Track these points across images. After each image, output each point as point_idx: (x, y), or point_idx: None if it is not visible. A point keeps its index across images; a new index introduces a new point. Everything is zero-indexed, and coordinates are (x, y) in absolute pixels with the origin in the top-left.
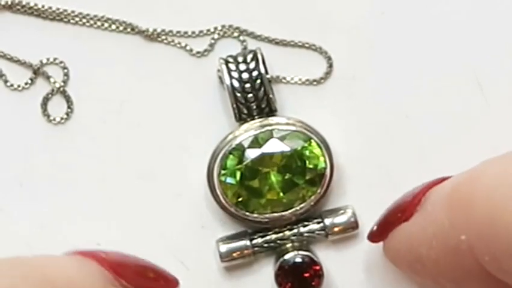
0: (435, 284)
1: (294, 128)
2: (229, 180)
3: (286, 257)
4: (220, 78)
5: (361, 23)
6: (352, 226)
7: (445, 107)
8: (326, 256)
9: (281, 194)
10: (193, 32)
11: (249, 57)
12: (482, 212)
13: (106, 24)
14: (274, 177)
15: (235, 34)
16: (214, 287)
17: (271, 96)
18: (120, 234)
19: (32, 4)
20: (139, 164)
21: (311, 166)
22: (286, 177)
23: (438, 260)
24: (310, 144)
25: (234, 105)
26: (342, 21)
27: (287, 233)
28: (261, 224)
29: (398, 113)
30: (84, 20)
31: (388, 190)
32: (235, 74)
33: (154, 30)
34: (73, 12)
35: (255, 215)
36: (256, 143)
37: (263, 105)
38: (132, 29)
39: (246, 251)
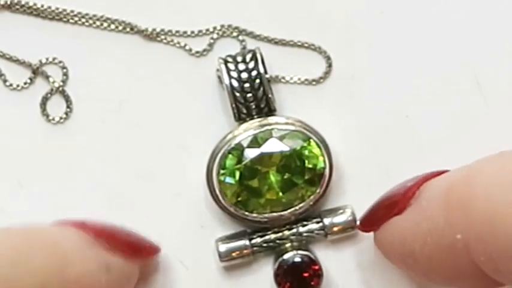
0: (427, 279)
1: (293, 128)
2: (229, 179)
3: (286, 256)
4: (220, 78)
5: (360, 23)
6: (351, 226)
7: (444, 106)
8: (325, 256)
9: (280, 194)
10: (192, 32)
11: (248, 56)
12: (480, 212)
13: (105, 24)
14: (273, 177)
15: (234, 34)
16: (214, 287)
17: (270, 95)
18: None
19: (31, 4)
20: (139, 163)
21: (310, 166)
22: (286, 177)
23: (432, 256)
24: (309, 144)
25: (233, 105)
26: (341, 21)
27: (286, 232)
28: (260, 223)
29: (397, 112)
30: (83, 20)
31: (387, 189)
32: (234, 74)
33: (154, 29)
34: (72, 11)
35: (254, 215)
36: (255, 142)
37: (262, 105)
38: (131, 29)
39: (245, 251)
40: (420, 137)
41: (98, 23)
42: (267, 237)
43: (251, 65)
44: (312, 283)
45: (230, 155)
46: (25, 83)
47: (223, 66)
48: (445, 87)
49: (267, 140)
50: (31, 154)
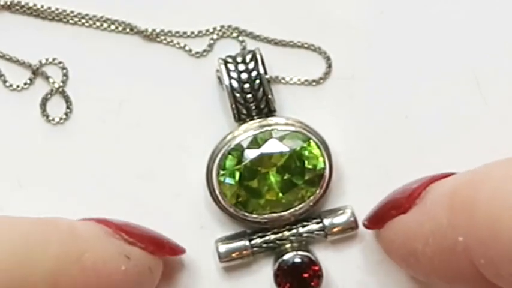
0: (427, 280)
1: (293, 128)
2: (228, 180)
3: (285, 257)
4: (219, 79)
5: (360, 23)
6: (351, 226)
7: (444, 106)
8: (325, 256)
9: (280, 195)
10: (192, 32)
11: (248, 57)
12: (484, 216)
13: (105, 25)
14: (273, 178)
15: (234, 34)
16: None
17: (270, 96)
18: None
19: (31, 4)
20: (139, 164)
21: (310, 166)
22: (285, 177)
23: (433, 257)
24: (309, 145)
25: (233, 106)
26: (340, 21)
27: (286, 233)
28: (260, 224)
29: (397, 113)
30: (83, 20)
31: (387, 190)
32: (234, 74)
33: (154, 30)
34: (72, 12)
35: (254, 216)
36: (255, 143)
37: (262, 106)
38: (131, 29)
39: (245, 252)
40: (420, 137)
41: (97, 23)
42: (266, 237)
43: (251, 65)
44: (312, 284)
45: (230, 156)
46: (25, 84)
47: (223, 67)
48: (445, 87)
49: (266, 140)
50: (31, 154)
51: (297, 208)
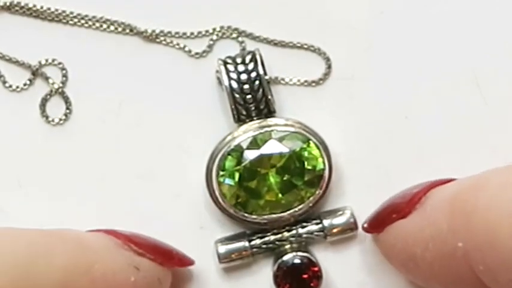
0: (426, 285)
1: (292, 129)
2: (228, 181)
3: (285, 258)
4: (219, 79)
5: (360, 23)
6: (351, 227)
7: (444, 107)
8: (325, 257)
9: (280, 195)
10: (191, 33)
11: (248, 58)
12: (483, 222)
13: (105, 25)
14: (272, 179)
15: (234, 35)
16: None
17: (269, 97)
18: None
19: (30, 5)
20: (138, 164)
21: (310, 167)
22: (285, 178)
23: (432, 262)
24: (308, 146)
25: (233, 106)
26: (340, 22)
27: (286, 234)
28: (260, 225)
29: (397, 113)
30: (82, 21)
31: (387, 191)
32: (233, 75)
33: (153, 31)
34: (72, 13)
35: (254, 216)
36: (254, 144)
37: (262, 107)
38: (131, 30)
39: (244, 252)
40: (420, 137)
41: (97, 24)
42: (266, 238)
43: (250, 66)
44: (312, 284)
45: (230, 157)
46: (24, 84)
47: (222, 68)
48: (445, 87)
49: (266, 141)
50: (31, 155)
51: (296, 209)
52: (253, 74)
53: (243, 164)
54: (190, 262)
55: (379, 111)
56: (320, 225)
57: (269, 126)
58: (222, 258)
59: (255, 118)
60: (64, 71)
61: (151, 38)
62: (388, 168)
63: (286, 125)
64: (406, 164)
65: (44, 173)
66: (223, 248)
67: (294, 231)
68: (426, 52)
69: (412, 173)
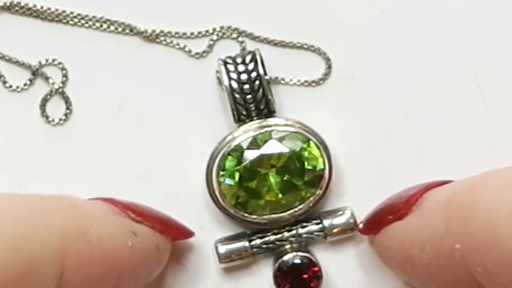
0: (422, 286)
1: (292, 129)
2: (228, 181)
3: (285, 258)
4: (219, 79)
5: (360, 23)
6: (351, 227)
7: (444, 107)
8: (325, 257)
9: (280, 195)
10: (192, 33)
11: (248, 58)
12: (481, 223)
13: (105, 25)
14: (272, 179)
15: (234, 35)
16: None
17: (270, 97)
18: None
19: (30, 5)
20: (139, 164)
21: (310, 167)
22: (285, 178)
23: (430, 264)
24: (309, 146)
25: (233, 106)
26: (340, 22)
27: (286, 234)
28: (260, 225)
29: (397, 113)
30: (83, 21)
31: (387, 191)
32: (234, 75)
33: (153, 31)
34: (72, 13)
35: (254, 216)
36: (255, 144)
37: (262, 107)
38: (131, 30)
39: (244, 252)
40: (420, 137)
41: (97, 24)
42: (266, 238)
43: (251, 66)
44: (312, 284)
45: (230, 157)
46: (25, 85)
47: (222, 68)
48: (445, 87)
49: (266, 141)
50: (31, 155)
51: (296, 209)
52: (254, 74)
53: (243, 164)
54: (190, 233)
55: (379, 111)
56: (320, 225)
57: (269, 126)
58: (222, 258)
59: (255, 118)
60: (64, 71)
61: (152, 38)
62: (388, 168)
63: (286, 125)
64: (406, 164)
65: (44, 173)
66: (223, 248)
67: (294, 231)
68: (426, 52)
69: (412, 173)
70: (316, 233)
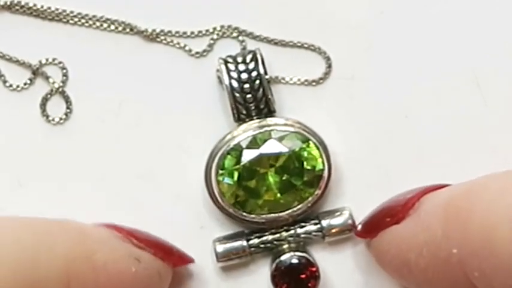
0: None
1: (292, 129)
2: (227, 180)
3: (283, 258)
4: (219, 79)
5: (360, 23)
6: (349, 228)
7: (444, 107)
8: (322, 257)
9: (278, 195)
10: (192, 32)
11: (248, 57)
12: (479, 228)
13: (105, 25)
14: (271, 178)
15: (235, 34)
16: (212, 287)
17: (270, 96)
18: None
19: (31, 4)
20: (138, 163)
21: (309, 167)
22: (284, 178)
23: (426, 268)
24: (308, 146)
25: (233, 106)
26: (340, 21)
27: (284, 233)
28: (258, 224)
29: (397, 113)
30: (83, 20)
31: (386, 191)
32: (234, 74)
33: (153, 30)
34: (72, 12)
35: (252, 216)
36: (254, 143)
37: (262, 106)
38: (131, 29)
39: (242, 252)
40: (420, 138)
41: (97, 23)
42: (264, 238)
43: (251, 65)
44: (309, 285)
45: (229, 156)
46: (25, 84)
47: (223, 67)
48: (445, 87)
49: (266, 141)
50: (31, 154)
51: (295, 209)
52: (254, 73)
53: (242, 163)
54: (190, 260)
55: (379, 111)
56: (318, 226)
57: (269, 125)
58: (220, 257)
59: (254, 117)
60: (64, 71)
61: (152, 37)
62: (388, 168)
63: (286, 124)
64: (406, 164)
65: (44, 173)
66: (221, 247)
67: (292, 231)
68: (426, 52)
69: (412, 173)
70: (314, 233)
